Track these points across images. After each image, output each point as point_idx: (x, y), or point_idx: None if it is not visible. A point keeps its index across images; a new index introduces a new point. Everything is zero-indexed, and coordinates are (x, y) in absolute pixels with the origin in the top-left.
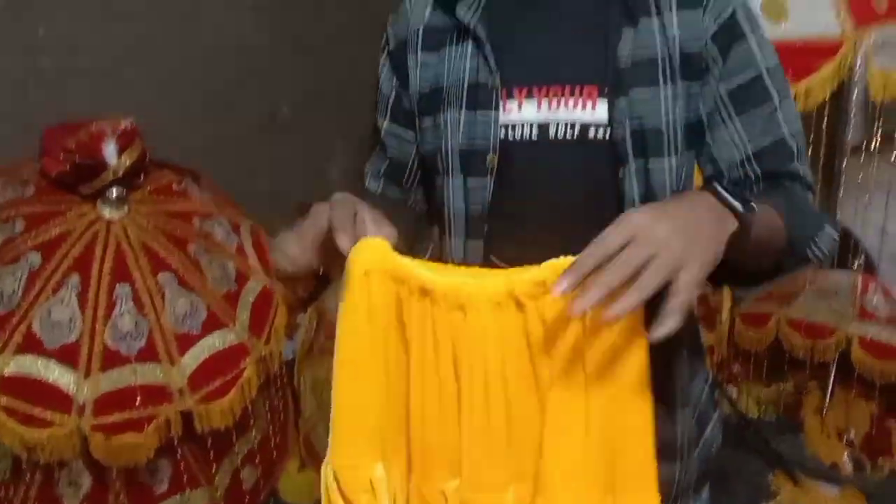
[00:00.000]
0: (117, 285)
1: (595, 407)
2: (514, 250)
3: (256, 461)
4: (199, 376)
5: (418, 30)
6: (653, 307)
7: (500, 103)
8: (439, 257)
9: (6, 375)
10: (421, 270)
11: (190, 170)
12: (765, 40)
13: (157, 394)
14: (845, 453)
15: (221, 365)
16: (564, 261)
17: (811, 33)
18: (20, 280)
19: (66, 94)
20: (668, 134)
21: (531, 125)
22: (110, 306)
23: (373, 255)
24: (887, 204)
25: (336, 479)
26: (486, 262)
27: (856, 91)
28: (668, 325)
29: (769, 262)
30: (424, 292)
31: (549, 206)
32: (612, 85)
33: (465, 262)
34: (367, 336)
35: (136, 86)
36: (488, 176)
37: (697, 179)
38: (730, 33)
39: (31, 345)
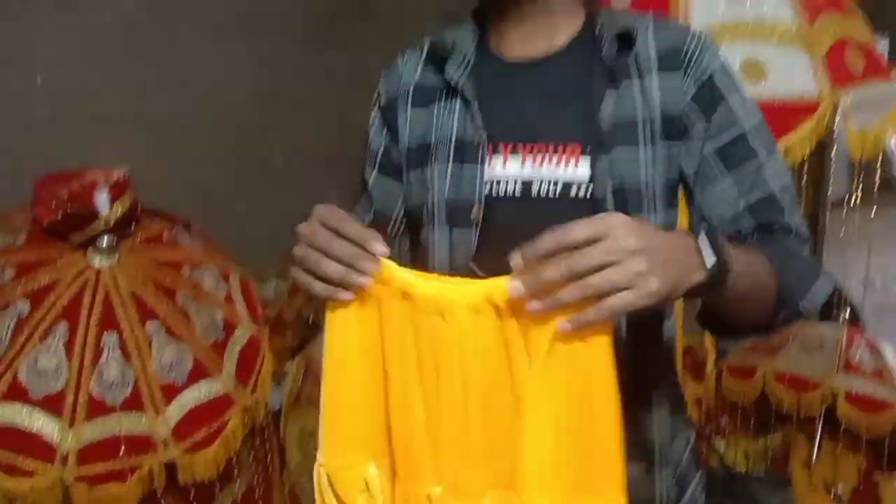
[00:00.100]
0: (105, 334)
1: (567, 411)
2: None
3: None
4: (184, 426)
5: (409, 87)
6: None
7: (486, 159)
8: None
9: None
10: (404, 274)
11: (181, 218)
12: (746, 98)
13: (141, 444)
14: None
15: (206, 415)
16: None
17: (789, 93)
18: (8, 328)
19: (61, 142)
20: (649, 193)
21: (515, 181)
22: (97, 355)
23: None
24: (869, 256)
25: (330, 481)
26: (467, 272)
27: (835, 148)
28: (579, 319)
29: (762, 314)
30: (406, 296)
31: None
32: (595, 144)
33: None
34: (355, 338)
35: (131, 134)
36: (473, 229)
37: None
38: (711, 94)
39: (16, 393)
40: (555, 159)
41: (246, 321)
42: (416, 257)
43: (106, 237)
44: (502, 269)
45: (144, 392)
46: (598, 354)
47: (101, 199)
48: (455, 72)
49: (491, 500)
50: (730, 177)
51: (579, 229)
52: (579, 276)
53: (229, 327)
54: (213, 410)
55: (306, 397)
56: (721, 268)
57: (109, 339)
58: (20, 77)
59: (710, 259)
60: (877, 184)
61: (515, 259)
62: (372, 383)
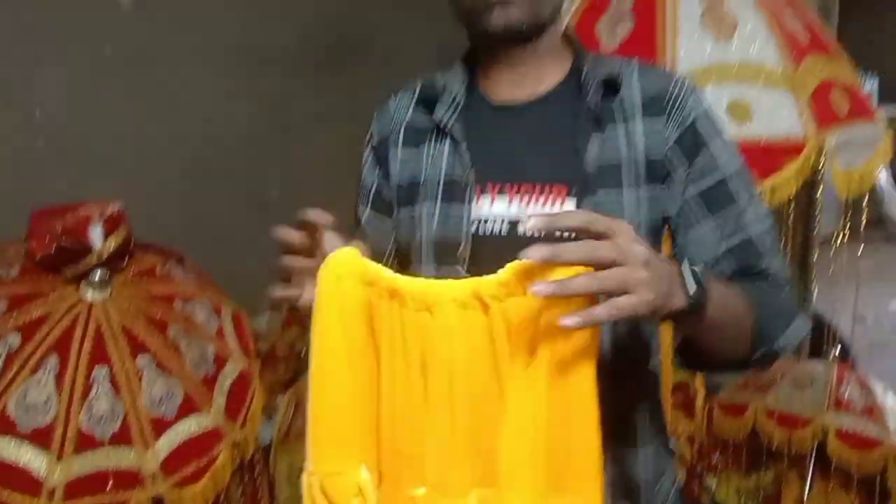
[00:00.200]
0: (95, 367)
1: (549, 409)
2: None
3: None
4: (173, 461)
5: (400, 127)
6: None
7: (474, 198)
8: None
9: None
10: (391, 277)
11: (175, 252)
12: (728, 144)
13: (129, 478)
14: None
15: (195, 450)
16: (526, 262)
17: (775, 134)
18: None
19: (58, 175)
20: None
21: (502, 220)
22: (87, 388)
23: (345, 260)
24: (857, 293)
25: (322, 488)
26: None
27: (821, 188)
28: (591, 314)
29: (738, 349)
30: (393, 294)
31: None
32: (580, 186)
33: None
34: (340, 341)
35: (128, 168)
36: (460, 266)
37: None
38: (693, 139)
39: (4, 426)
40: (541, 200)
41: (237, 355)
42: None
43: (99, 271)
44: None
45: (133, 426)
46: (582, 359)
47: (95, 234)
48: (444, 113)
49: (476, 499)
50: (711, 220)
51: (598, 221)
52: (595, 265)
53: (220, 361)
54: (202, 445)
55: (297, 432)
56: (701, 296)
57: (100, 372)
58: (17, 111)
59: (692, 286)
60: (863, 222)
61: (533, 222)
62: (359, 386)
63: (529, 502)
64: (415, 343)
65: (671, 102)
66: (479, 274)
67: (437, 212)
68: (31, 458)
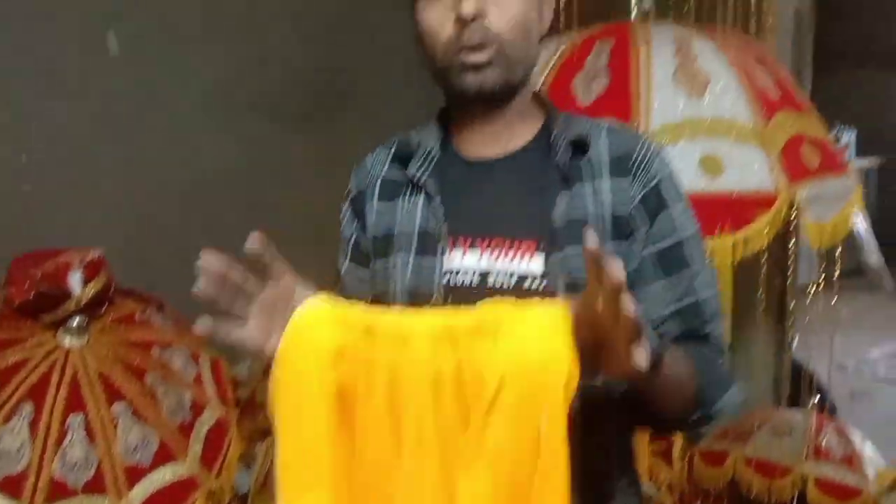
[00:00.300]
0: (70, 415)
1: (513, 451)
2: None
3: None
4: None
5: (377, 181)
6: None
7: (446, 251)
8: None
9: None
10: (366, 317)
11: (155, 298)
12: (687, 209)
13: None
14: None
15: (170, 499)
16: (500, 301)
17: (747, 188)
18: None
19: (42, 218)
20: None
21: (473, 272)
22: (61, 436)
23: (318, 306)
24: (831, 343)
25: None
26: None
27: (793, 239)
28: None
29: (678, 410)
30: (368, 332)
31: None
32: (548, 242)
33: None
34: (313, 385)
35: (112, 212)
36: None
37: None
38: (655, 201)
39: None
40: (510, 254)
41: (214, 403)
42: None
43: (77, 317)
44: None
45: (108, 474)
46: (551, 401)
47: (74, 280)
48: (418, 169)
49: None
50: (664, 280)
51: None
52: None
53: (197, 409)
54: (177, 494)
55: (275, 480)
56: (657, 356)
57: (75, 419)
58: (4, 155)
59: (652, 346)
60: (837, 272)
61: (592, 238)
62: (329, 431)
63: None
64: (385, 379)
65: (637, 163)
66: None
67: (411, 263)
68: None
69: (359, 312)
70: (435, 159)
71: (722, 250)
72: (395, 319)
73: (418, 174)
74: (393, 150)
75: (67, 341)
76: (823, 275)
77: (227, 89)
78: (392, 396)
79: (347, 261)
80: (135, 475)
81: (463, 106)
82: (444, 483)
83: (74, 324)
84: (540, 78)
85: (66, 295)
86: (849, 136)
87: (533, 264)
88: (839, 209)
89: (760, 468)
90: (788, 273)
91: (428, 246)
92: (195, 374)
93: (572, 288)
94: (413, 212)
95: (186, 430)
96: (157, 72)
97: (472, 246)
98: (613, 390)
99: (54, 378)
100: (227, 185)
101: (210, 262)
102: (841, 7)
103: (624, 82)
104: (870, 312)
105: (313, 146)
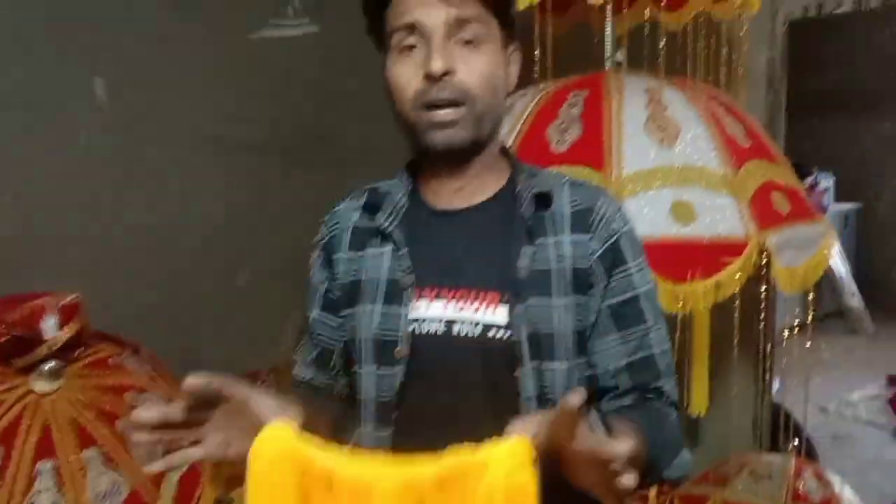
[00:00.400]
0: (40, 462)
1: None
2: (420, 442)
3: None
4: None
5: (347, 230)
6: None
7: (412, 300)
8: (357, 445)
9: None
10: (327, 459)
11: (131, 343)
12: (644, 266)
13: None
14: None
15: None
16: (462, 451)
17: (717, 234)
18: None
19: (27, 263)
20: (560, 340)
21: (439, 321)
22: (30, 483)
23: (277, 443)
24: (807, 387)
25: None
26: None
27: (764, 285)
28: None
29: None
30: (329, 485)
31: (453, 398)
32: (512, 294)
33: (375, 451)
34: None
35: (95, 255)
36: (398, 366)
37: None
38: (613, 257)
39: None
40: (475, 305)
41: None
42: (354, 395)
43: (50, 362)
44: (424, 430)
45: None
46: None
47: (48, 325)
48: (386, 219)
49: None
50: (619, 333)
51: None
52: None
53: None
54: None
55: None
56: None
57: (44, 466)
58: None
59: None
60: (810, 316)
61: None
62: None
63: None
64: None
65: (597, 219)
66: (417, 373)
67: (377, 312)
68: None
69: (320, 457)
70: (403, 209)
71: (694, 296)
72: (357, 470)
73: (386, 224)
74: (363, 199)
75: (39, 386)
76: (799, 319)
77: (214, 132)
78: None
79: (317, 309)
80: None
81: (431, 160)
82: None
83: (47, 368)
84: (516, 126)
85: (39, 339)
86: (828, 181)
87: (497, 315)
88: (810, 255)
89: None
90: (760, 319)
91: (394, 295)
92: None
93: (535, 338)
94: (380, 261)
95: (158, 476)
96: (142, 116)
97: (437, 296)
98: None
99: (25, 423)
100: (213, 227)
101: (141, 416)
102: (816, 55)
103: (597, 131)
104: (851, 354)
105: (301, 187)
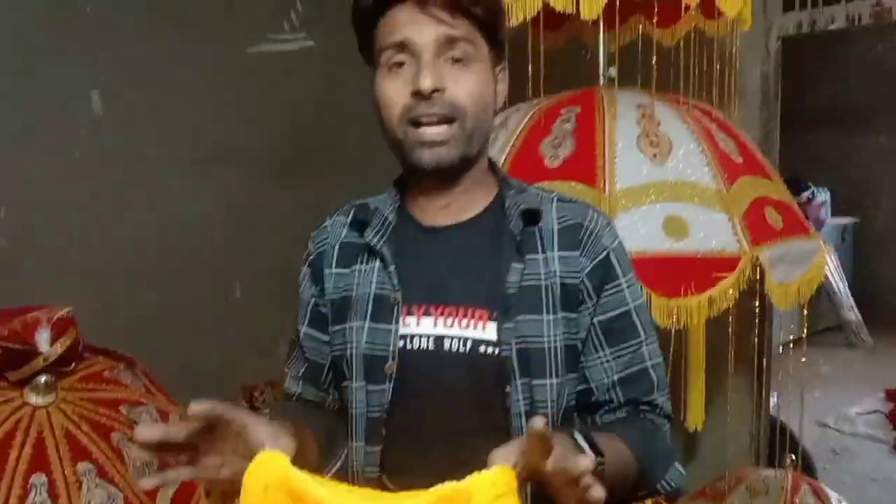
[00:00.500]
0: (34, 475)
1: None
2: (408, 458)
3: None
4: None
5: (335, 246)
6: None
7: (401, 317)
8: (345, 463)
9: None
10: (318, 491)
11: (125, 356)
12: (634, 281)
13: None
14: None
15: None
16: (448, 486)
17: (711, 249)
18: None
19: (20, 275)
20: (550, 356)
21: (428, 338)
22: (24, 496)
23: (272, 470)
24: (802, 402)
25: None
26: (380, 486)
27: (757, 300)
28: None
29: (624, 492)
30: None
31: (443, 414)
32: (501, 310)
33: (364, 467)
34: None
35: (95, 267)
36: (387, 382)
37: None
38: (604, 273)
39: None
40: (464, 321)
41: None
42: (345, 408)
43: (44, 375)
44: (417, 469)
45: None
46: None
47: (42, 338)
48: (373, 236)
49: None
50: (612, 348)
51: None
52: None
53: (165, 468)
54: None
55: None
56: (598, 463)
57: (38, 480)
58: None
59: (589, 454)
60: (805, 330)
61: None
62: None
63: None
64: None
65: (586, 236)
66: (407, 389)
67: (366, 328)
68: None
69: (312, 488)
70: (391, 226)
71: (687, 311)
72: (347, 502)
73: (374, 240)
74: (351, 215)
75: (34, 399)
76: (794, 333)
77: (207, 146)
78: None
79: (306, 325)
80: None
81: (419, 177)
82: None
83: (41, 381)
84: (510, 142)
85: (33, 352)
86: (824, 196)
87: (486, 332)
88: (804, 270)
89: None
90: (755, 334)
91: (383, 311)
92: None
93: (525, 354)
94: (369, 277)
95: (152, 490)
96: (136, 129)
97: (426, 313)
98: None
99: (19, 437)
100: (211, 235)
101: (143, 434)
102: (810, 71)
103: (590, 147)
104: (849, 368)
105: (297, 202)
